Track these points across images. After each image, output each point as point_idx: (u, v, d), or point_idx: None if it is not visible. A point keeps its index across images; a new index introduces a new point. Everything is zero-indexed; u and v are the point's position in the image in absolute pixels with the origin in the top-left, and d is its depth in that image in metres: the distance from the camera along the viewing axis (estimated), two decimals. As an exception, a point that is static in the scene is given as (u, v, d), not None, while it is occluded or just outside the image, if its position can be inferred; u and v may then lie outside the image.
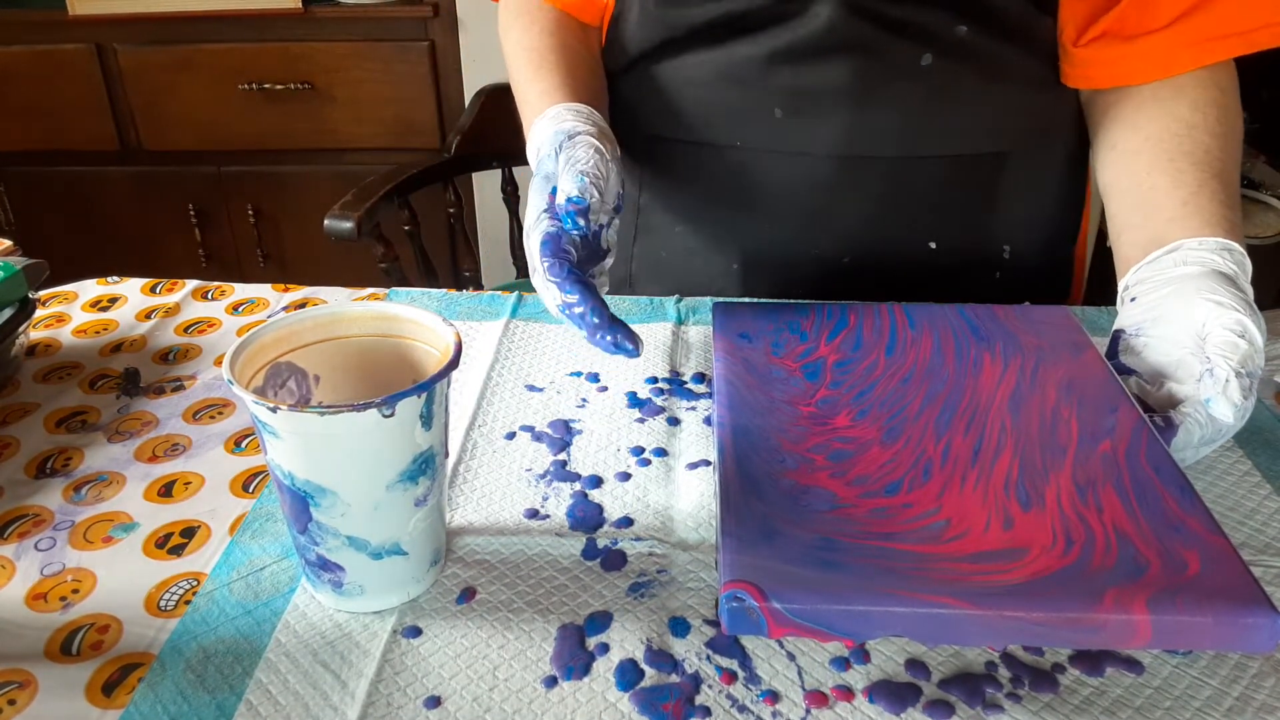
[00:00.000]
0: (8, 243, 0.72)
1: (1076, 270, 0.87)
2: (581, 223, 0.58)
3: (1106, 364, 0.57)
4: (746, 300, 0.69)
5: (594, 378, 0.65)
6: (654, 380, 0.64)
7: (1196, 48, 0.66)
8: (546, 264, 0.56)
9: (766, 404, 0.54)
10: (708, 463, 0.56)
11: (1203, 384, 0.52)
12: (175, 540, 0.52)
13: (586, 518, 0.53)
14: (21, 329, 0.65)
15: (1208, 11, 0.65)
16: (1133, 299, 0.60)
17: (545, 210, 0.60)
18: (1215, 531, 0.43)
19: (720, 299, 0.70)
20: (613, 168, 0.62)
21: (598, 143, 0.63)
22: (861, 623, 0.41)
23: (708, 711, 0.42)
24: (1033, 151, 0.76)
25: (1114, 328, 0.60)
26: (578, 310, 0.55)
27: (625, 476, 0.56)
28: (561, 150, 0.63)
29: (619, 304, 0.74)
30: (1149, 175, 0.65)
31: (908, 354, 0.59)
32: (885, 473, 0.49)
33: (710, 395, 0.63)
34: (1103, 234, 1.75)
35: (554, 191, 0.61)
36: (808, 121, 0.72)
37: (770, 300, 0.69)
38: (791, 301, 0.66)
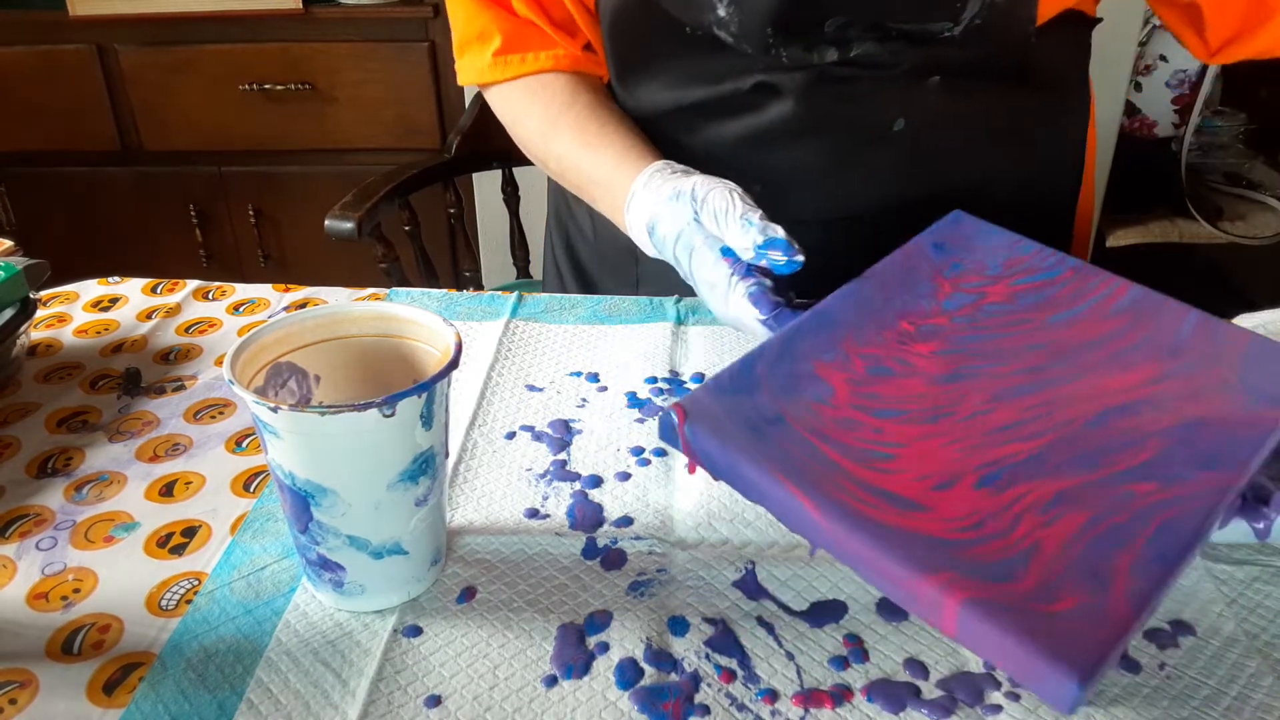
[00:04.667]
0: (8, 243, 0.72)
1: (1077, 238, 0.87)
2: (799, 258, 0.56)
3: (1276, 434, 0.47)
4: (987, 224, 0.63)
5: (594, 378, 0.65)
6: (654, 380, 0.65)
7: None
8: (768, 320, 0.55)
9: (879, 305, 0.54)
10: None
11: None
12: (176, 540, 0.52)
13: (586, 517, 0.53)
14: (22, 329, 0.65)
15: None
16: None
17: (731, 274, 0.57)
18: (1136, 605, 0.38)
19: (964, 213, 0.65)
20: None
21: (735, 185, 0.60)
22: (741, 483, 0.44)
23: (707, 710, 0.42)
24: (1010, 159, 0.77)
25: None
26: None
27: (625, 476, 0.56)
28: (704, 204, 0.59)
29: (619, 304, 0.74)
30: None
31: (1073, 328, 0.54)
32: (898, 401, 0.48)
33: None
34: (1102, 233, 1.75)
35: (728, 252, 0.58)
36: (788, 193, 0.72)
37: (1009, 233, 0.62)
38: (1031, 242, 0.61)
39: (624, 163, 0.69)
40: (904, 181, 0.71)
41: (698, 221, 0.60)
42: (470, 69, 0.78)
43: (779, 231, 0.56)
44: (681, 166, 0.67)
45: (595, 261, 0.89)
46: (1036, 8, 0.66)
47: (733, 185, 0.60)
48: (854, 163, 0.68)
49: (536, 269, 1.50)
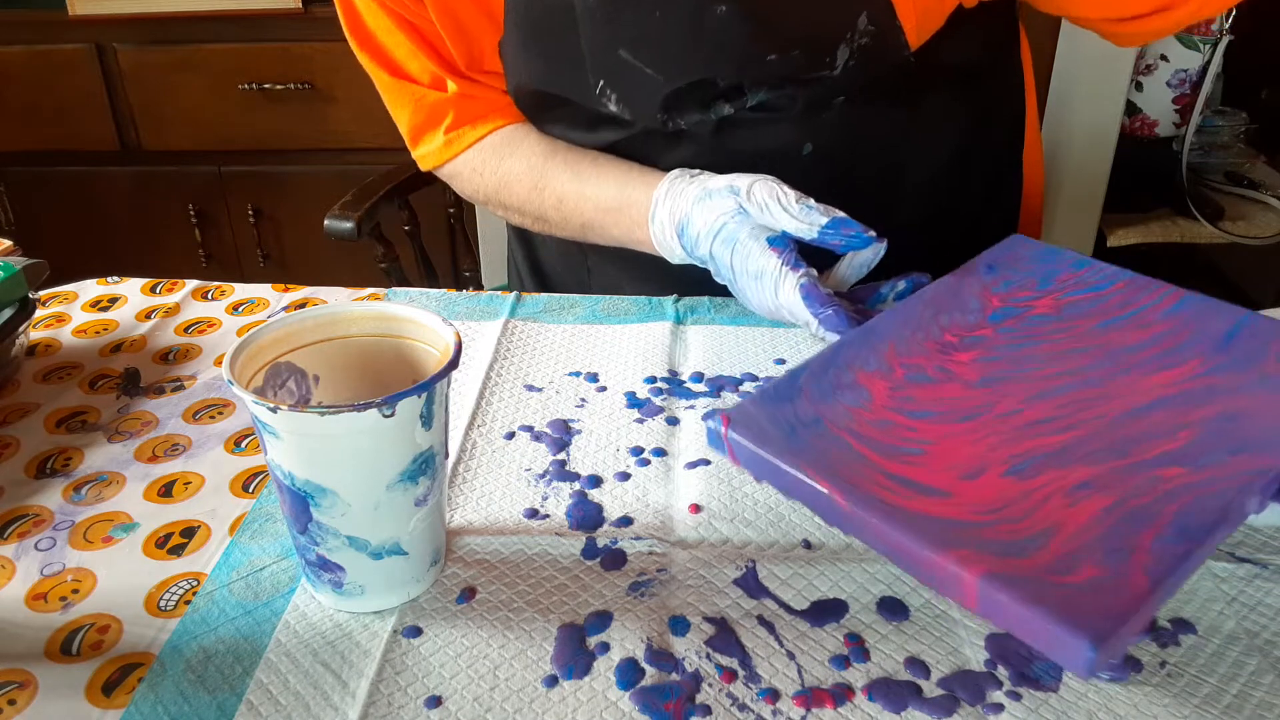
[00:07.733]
0: (8, 243, 0.72)
1: (1030, 205, 0.88)
2: (871, 233, 0.58)
3: None
4: (1046, 246, 0.62)
5: (593, 378, 0.65)
6: (653, 380, 0.64)
7: None
8: (822, 316, 0.57)
9: (926, 321, 0.54)
10: (707, 462, 0.56)
11: None
12: (175, 540, 0.52)
13: (586, 517, 0.53)
14: (21, 329, 0.65)
15: None
16: None
17: (781, 264, 0.59)
18: (1154, 577, 0.39)
19: (1022, 237, 0.64)
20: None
21: (768, 179, 0.62)
22: (778, 482, 0.46)
23: (708, 710, 0.42)
24: (921, 145, 0.77)
25: None
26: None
27: (625, 476, 0.56)
28: (750, 196, 0.61)
29: (619, 303, 0.74)
30: None
31: (1120, 332, 0.53)
32: (934, 403, 0.49)
33: (709, 394, 0.63)
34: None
35: (775, 242, 0.60)
36: None
37: (1067, 251, 0.61)
38: (1089, 259, 0.60)
39: (630, 183, 0.71)
40: (818, 185, 0.72)
41: (743, 212, 0.61)
42: (429, 156, 0.81)
43: (839, 212, 0.59)
44: (694, 170, 0.68)
45: (553, 261, 0.90)
46: (904, 35, 0.67)
47: (770, 176, 0.62)
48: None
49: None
